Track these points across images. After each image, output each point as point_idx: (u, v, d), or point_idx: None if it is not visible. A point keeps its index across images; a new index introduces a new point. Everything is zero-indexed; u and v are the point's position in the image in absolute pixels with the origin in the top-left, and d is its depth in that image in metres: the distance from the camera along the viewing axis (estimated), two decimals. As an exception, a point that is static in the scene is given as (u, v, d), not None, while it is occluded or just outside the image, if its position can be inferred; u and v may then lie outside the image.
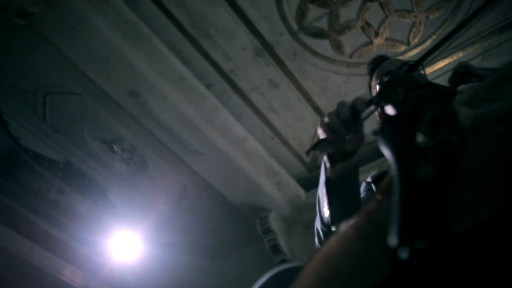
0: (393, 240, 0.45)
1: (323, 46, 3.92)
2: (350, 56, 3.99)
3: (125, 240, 3.96)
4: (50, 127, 3.93)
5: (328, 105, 4.22)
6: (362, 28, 3.84)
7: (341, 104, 1.12)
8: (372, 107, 1.05)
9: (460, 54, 3.99)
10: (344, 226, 0.62)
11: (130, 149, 4.21)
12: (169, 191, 4.50)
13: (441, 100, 0.72)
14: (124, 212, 4.25)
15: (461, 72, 1.38)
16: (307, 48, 3.92)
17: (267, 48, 3.89)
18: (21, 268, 3.48)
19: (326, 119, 1.13)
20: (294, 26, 3.79)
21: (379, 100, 0.76)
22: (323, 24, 3.81)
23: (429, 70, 4.08)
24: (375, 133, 0.73)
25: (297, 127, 4.44)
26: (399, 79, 0.76)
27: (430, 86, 1.35)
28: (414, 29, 3.87)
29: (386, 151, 0.63)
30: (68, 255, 3.70)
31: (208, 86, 4.02)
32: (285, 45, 3.89)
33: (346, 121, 1.09)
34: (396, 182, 0.52)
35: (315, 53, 3.94)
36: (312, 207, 1.40)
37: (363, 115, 1.12)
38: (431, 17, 3.78)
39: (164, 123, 4.03)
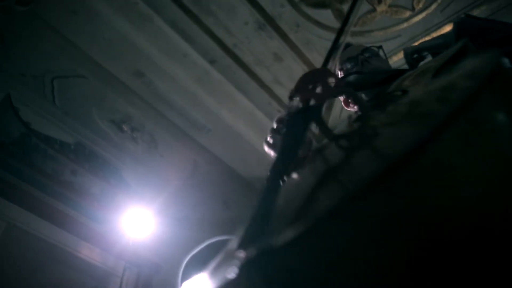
0: (233, 243, 0.46)
1: (326, 16, 3.87)
2: (354, 24, 3.93)
3: (138, 216, 4.06)
4: (60, 110, 4.00)
5: (333, 75, 4.20)
6: (365, -5, 3.77)
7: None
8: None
9: (467, 16, 3.89)
10: None
11: (139, 128, 4.27)
12: (180, 168, 4.58)
13: (354, 92, 0.73)
14: (138, 190, 4.34)
15: (411, 53, 1.38)
16: (309, 19, 3.87)
17: (269, 21, 3.85)
18: (40, 248, 3.61)
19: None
20: (295, -3, 3.75)
21: (294, 94, 0.77)
22: (324, -7, 3.76)
23: (435, 34, 4.01)
24: (272, 130, 0.75)
25: (304, 98, 4.42)
26: (316, 72, 0.77)
27: (353, 77, 1.33)
28: (418, -6, 3.78)
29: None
30: (84, 234, 3.82)
31: (212, 62, 4.02)
32: (287, 17, 3.85)
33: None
34: (263, 187, 0.54)
35: (317, 23, 3.90)
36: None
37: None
38: (435, -20, 3.69)
39: (170, 101, 4.07)
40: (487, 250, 0.41)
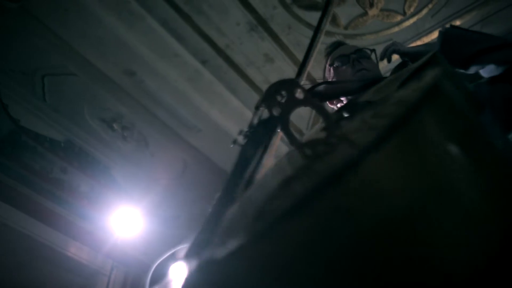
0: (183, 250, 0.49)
1: (317, 18, 3.87)
2: (346, 27, 3.96)
3: (127, 215, 4.06)
4: (50, 108, 3.98)
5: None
6: (357, -2, 3.79)
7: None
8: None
9: (458, 22, 3.93)
10: None
11: (130, 127, 4.27)
12: (170, 167, 4.58)
13: (318, 103, 0.75)
14: (127, 189, 4.34)
15: (390, 52, 1.40)
16: (301, 21, 3.89)
17: (261, 22, 3.86)
18: (29, 246, 3.61)
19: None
20: (288, -1, 3.76)
21: (260, 104, 0.79)
22: (316, -4, 3.77)
23: (426, 39, 4.05)
24: (234, 141, 0.78)
25: (295, 100, 4.44)
26: (283, 83, 0.79)
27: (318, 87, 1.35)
28: (409, -2, 3.81)
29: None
30: (73, 232, 3.82)
31: (203, 62, 4.03)
32: (279, 19, 3.87)
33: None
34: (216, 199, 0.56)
35: (309, 25, 3.91)
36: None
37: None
38: (426, -15, 3.71)
39: (161, 101, 4.08)
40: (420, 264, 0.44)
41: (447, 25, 1.43)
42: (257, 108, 0.79)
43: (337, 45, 1.70)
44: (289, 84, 0.77)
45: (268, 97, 0.76)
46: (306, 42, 4.05)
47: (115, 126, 4.20)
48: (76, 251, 3.80)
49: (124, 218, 4.05)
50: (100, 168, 4.27)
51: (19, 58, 3.74)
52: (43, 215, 3.71)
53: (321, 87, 1.28)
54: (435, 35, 3.99)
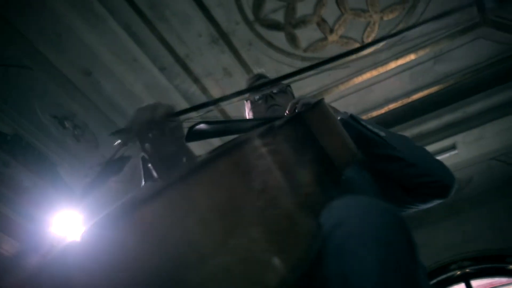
0: None
1: (279, 38, 3.96)
2: (305, 50, 4.04)
3: (70, 216, 3.96)
4: (-1, 99, 3.89)
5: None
6: (318, 23, 3.88)
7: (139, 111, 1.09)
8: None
9: (412, 56, 4.09)
10: None
11: (82, 126, 4.20)
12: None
13: (185, 144, 0.84)
14: (74, 188, 4.25)
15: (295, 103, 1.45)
16: (262, 39, 3.95)
17: (223, 36, 3.90)
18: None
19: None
20: (251, 16, 3.81)
21: (131, 138, 0.88)
22: (279, 16, 3.84)
23: (382, 69, 4.18)
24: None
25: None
26: (152, 122, 0.87)
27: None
28: (368, 29, 3.93)
29: None
30: (9, 229, 3.71)
31: (161, 69, 4.03)
32: (241, 35, 3.92)
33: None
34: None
35: (270, 44, 3.98)
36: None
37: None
38: (385, 18, 3.85)
39: (115, 103, 4.04)
40: None
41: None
42: (125, 144, 0.86)
43: (257, 78, 1.75)
44: (158, 124, 0.84)
45: (140, 134, 0.83)
46: (265, 60, 4.11)
47: (66, 124, 4.13)
48: (9, 248, 3.68)
49: (67, 219, 3.96)
50: (47, 165, 4.17)
51: (-29, 45, 3.64)
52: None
53: (202, 126, 1.31)
54: (390, 66, 4.14)
